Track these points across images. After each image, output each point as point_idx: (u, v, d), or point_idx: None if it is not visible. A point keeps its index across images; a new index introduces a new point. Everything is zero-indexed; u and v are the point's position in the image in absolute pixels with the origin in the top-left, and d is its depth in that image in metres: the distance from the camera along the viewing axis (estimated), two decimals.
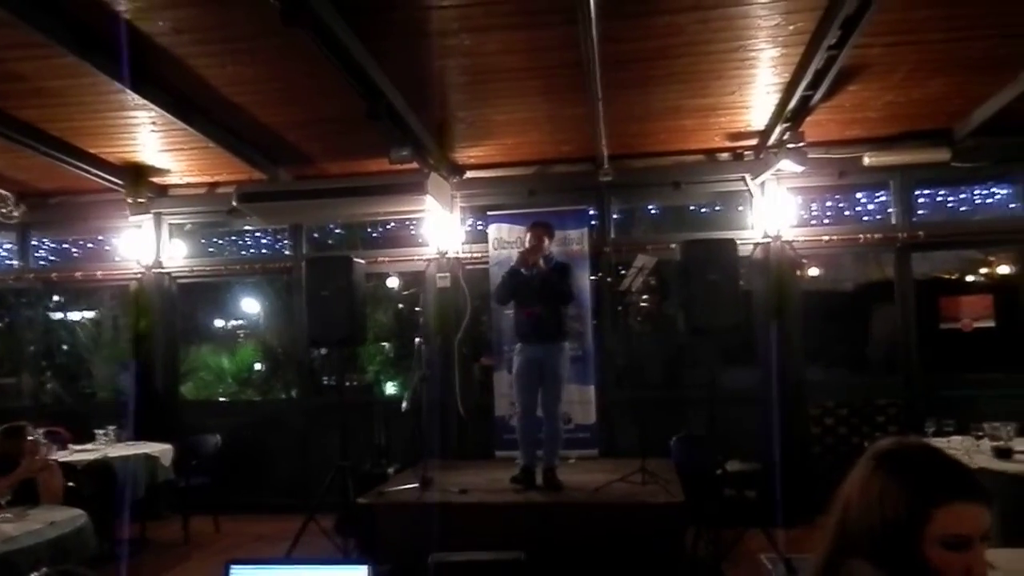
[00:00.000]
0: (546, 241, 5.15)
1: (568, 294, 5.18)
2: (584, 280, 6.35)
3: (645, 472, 4.93)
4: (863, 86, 5.09)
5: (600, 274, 6.51)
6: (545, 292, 5.02)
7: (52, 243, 7.69)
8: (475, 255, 6.68)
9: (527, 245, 5.23)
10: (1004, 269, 6.79)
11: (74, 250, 7.63)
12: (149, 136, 5.77)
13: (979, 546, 1.21)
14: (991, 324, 6.22)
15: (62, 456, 5.05)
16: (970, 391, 5.84)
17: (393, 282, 8.80)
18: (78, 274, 7.38)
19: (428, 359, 6.31)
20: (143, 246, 7.10)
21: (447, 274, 6.63)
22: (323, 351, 7.37)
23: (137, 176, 6.61)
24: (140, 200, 6.74)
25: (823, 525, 1.33)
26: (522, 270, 5.15)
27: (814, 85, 4.75)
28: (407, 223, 7.04)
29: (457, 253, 6.70)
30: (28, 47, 4.16)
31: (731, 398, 6.13)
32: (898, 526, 1.21)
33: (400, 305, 9.21)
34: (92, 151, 6.08)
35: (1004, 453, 4.01)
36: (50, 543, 3.08)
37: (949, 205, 6.57)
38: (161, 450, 5.65)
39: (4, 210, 6.97)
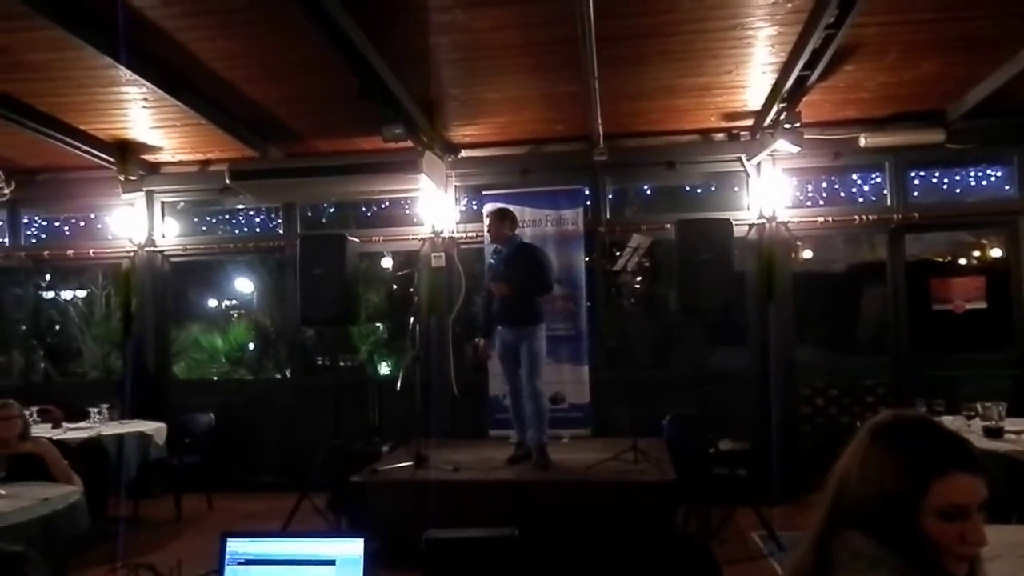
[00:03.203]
0: (496, 226, 5.23)
1: (539, 282, 5.07)
2: (578, 260, 6.34)
3: (637, 451, 4.95)
4: (857, 66, 5.05)
5: (594, 254, 6.50)
6: (509, 274, 5.05)
7: (43, 220, 7.61)
8: (470, 234, 6.65)
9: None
10: (996, 251, 6.79)
11: (65, 228, 7.55)
12: (140, 112, 5.69)
13: (975, 516, 1.21)
14: (983, 306, 6.24)
15: (55, 435, 5.05)
16: (959, 371, 5.87)
17: (387, 263, 8.77)
18: (69, 252, 7.31)
19: (422, 339, 6.30)
20: (135, 224, 7.04)
21: (441, 253, 6.59)
22: (315, 331, 7.35)
23: (128, 153, 6.53)
24: (131, 177, 6.66)
25: (817, 501, 1.33)
26: (492, 254, 5.37)
27: (810, 65, 4.71)
28: (401, 202, 7.00)
29: (452, 232, 6.67)
30: (9, 19, 4.07)
31: (722, 378, 6.16)
32: (897, 498, 1.22)
33: (394, 286, 9.18)
34: (81, 127, 6.00)
35: (995, 433, 4.03)
36: (42, 520, 3.06)
37: (944, 187, 6.56)
38: (155, 428, 5.66)
39: None
